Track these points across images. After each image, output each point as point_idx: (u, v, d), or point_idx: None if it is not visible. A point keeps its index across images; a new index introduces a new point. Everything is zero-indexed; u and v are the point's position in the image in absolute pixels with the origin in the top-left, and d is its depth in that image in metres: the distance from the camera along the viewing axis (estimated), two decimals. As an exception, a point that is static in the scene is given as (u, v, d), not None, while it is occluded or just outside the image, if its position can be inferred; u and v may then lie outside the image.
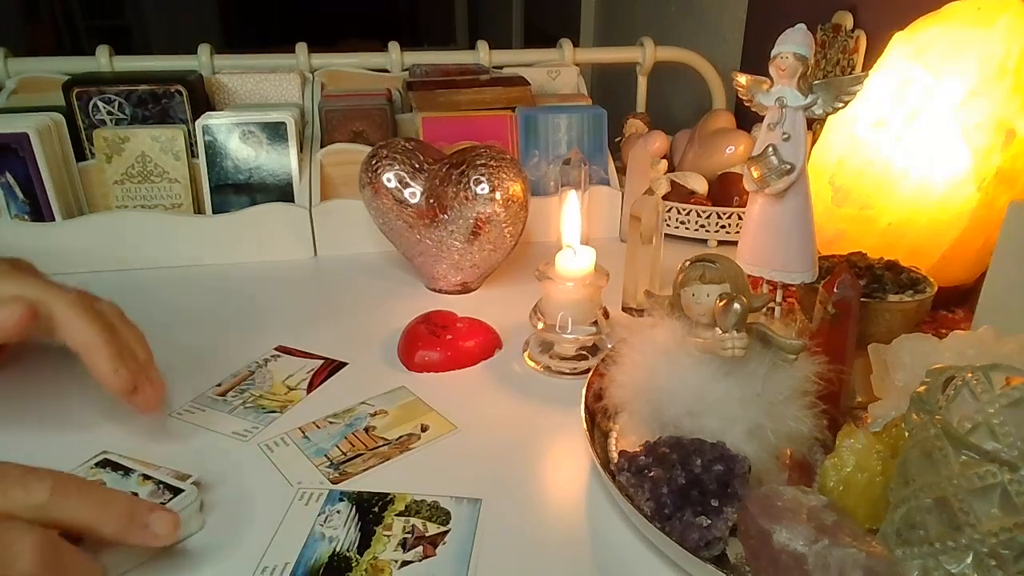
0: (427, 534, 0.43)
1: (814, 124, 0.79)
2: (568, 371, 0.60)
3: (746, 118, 0.94)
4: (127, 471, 0.44)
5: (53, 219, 0.78)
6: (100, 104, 0.85)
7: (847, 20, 0.92)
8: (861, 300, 0.48)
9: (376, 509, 0.44)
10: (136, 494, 0.41)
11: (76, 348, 0.46)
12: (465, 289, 0.75)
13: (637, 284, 0.69)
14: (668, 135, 0.91)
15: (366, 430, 0.52)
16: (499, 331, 0.65)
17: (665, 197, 0.68)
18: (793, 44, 0.49)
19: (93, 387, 0.47)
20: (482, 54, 1.07)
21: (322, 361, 0.62)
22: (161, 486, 0.42)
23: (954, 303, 0.66)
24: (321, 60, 1.05)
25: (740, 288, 0.43)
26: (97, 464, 0.45)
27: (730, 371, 0.43)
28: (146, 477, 0.43)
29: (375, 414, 0.54)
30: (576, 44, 1.10)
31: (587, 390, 0.52)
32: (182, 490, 0.42)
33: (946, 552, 0.34)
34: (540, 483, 0.48)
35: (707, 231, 0.85)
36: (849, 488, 0.40)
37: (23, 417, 0.53)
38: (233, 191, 0.83)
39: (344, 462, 0.49)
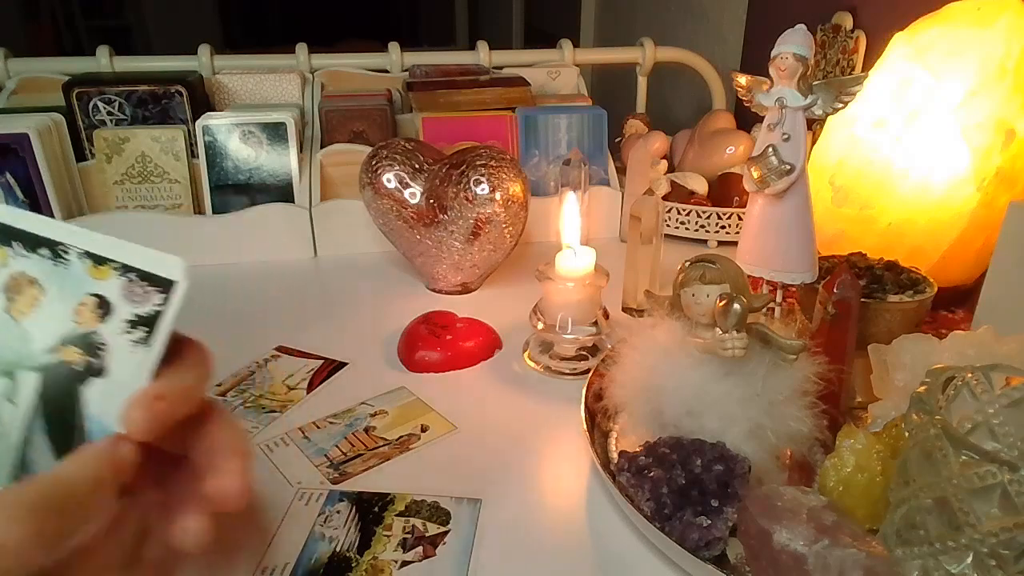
0: (427, 534, 0.43)
1: (814, 124, 0.79)
2: (568, 371, 0.60)
3: (746, 118, 0.94)
4: (56, 250, 0.28)
5: (53, 219, 0.78)
6: (100, 104, 0.85)
7: (847, 20, 0.92)
8: (861, 300, 0.48)
9: (376, 509, 0.44)
10: (102, 298, 0.27)
11: None
12: (465, 289, 0.75)
13: (637, 284, 0.69)
14: (668, 135, 0.91)
15: (366, 430, 0.52)
16: (499, 331, 0.65)
17: (665, 197, 0.68)
18: (793, 44, 0.49)
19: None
20: (482, 54, 1.07)
21: (322, 361, 0.62)
22: (135, 277, 0.27)
23: (954, 303, 0.66)
24: (321, 60, 1.05)
25: (740, 288, 0.43)
26: None
27: (730, 371, 0.43)
28: (98, 260, 0.27)
29: (375, 414, 0.54)
30: (576, 44, 1.10)
31: (587, 390, 0.52)
32: (171, 280, 0.27)
33: (946, 552, 0.34)
34: (540, 483, 0.48)
35: (707, 231, 0.85)
36: (849, 488, 0.40)
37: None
38: (233, 191, 0.83)
39: (344, 462, 0.49)
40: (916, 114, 0.63)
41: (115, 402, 0.26)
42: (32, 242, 0.28)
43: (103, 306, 0.27)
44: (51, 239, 0.28)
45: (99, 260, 0.27)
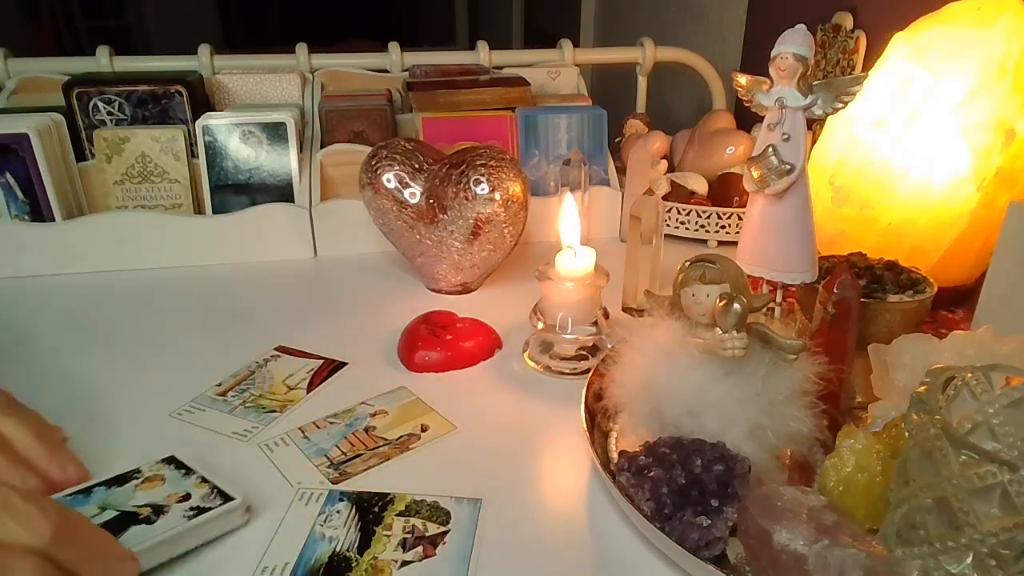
0: (427, 534, 0.43)
1: (814, 124, 0.79)
2: (568, 371, 0.60)
3: (746, 118, 0.94)
4: (189, 472, 0.45)
5: (53, 219, 0.78)
6: (100, 104, 0.85)
7: (847, 20, 0.92)
8: (861, 300, 0.48)
9: (376, 509, 0.44)
10: (189, 494, 0.43)
11: None
12: (465, 289, 0.75)
13: (637, 284, 0.69)
14: (668, 135, 0.91)
15: (366, 430, 0.52)
16: (499, 331, 0.65)
17: (665, 197, 0.68)
18: (793, 44, 0.49)
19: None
20: (482, 54, 1.07)
21: (322, 361, 0.62)
22: (215, 491, 0.43)
23: (954, 303, 0.66)
24: (321, 60, 1.05)
25: (740, 288, 0.43)
26: (163, 460, 0.46)
27: (730, 371, 0.43)
28: (203, 480, 0.44)
29: (375, 414, 0.54)
30: (576, 44, 1.10)
31: (587, 390, 0.52)
32: (233, 498, 0.43)
33: (946, 552, 0.34)
34: (540, 483, 0.48)
35: (707, 231, 0.85)
36: (849, 488, 0.40)
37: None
38: (233, 191, 0.83)
39: (344, 462, 0.49)
40: (916, 114, 0.63)
41: (144, 538, 0.40)
42: (178, 466, 0.46)
43: (185, 498, 0.43)
44: (190, 467, 0.46)
45: (204, 480, 0.44)
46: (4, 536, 0.32)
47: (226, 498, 0.43)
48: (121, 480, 0.45)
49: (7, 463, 0.43)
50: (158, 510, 0.42)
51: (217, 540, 0.42)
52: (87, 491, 0.43)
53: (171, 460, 0.47)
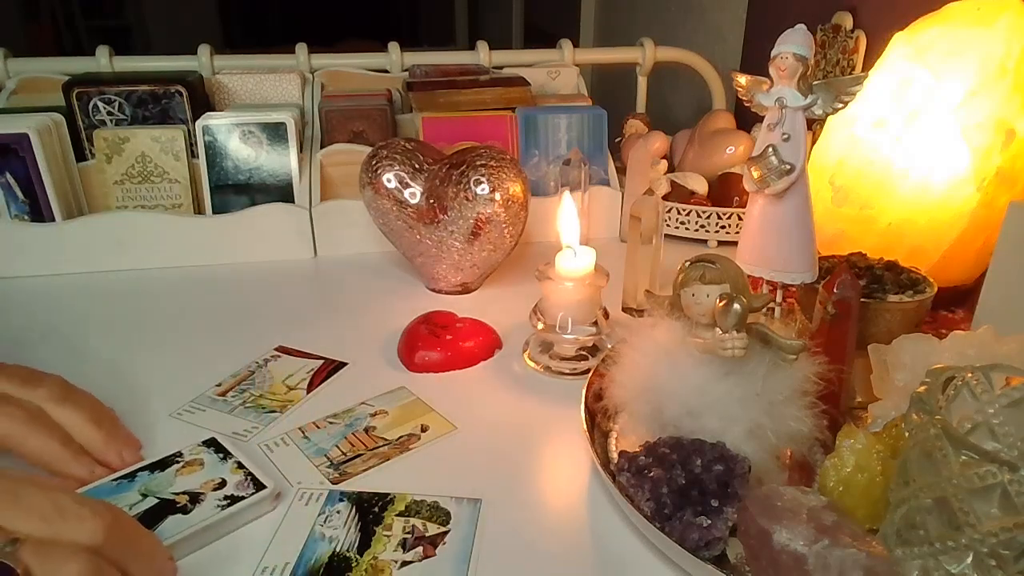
0: (427, 534, 0.43)
1: (814, 124, 0.79)
2: (568, 371, 0.60)
3: (746, 118, 0.94)
4: (227, 456, 0.47)
5: (53, 219, 0.78)
6: (100, 104, 0.85)
7: (847, 20, 0.92)
8: (861, 300, 0.48)
9: (376, 509, 0.44)
10: (225, 480, 0.45)
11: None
12: (465, 289, 0.75)
13: (637, 284, 0.69)
14: (668, 135, 0.91)
15: (366, 430, 0.52)
16: (499, 331, 0.65)
17: (665, 197, 0.68)
18: (793, 44, 0.49)
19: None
20: (482, 54, 1.07)
21: (322, 361, 0.62)
22: (249, 478, 0.45)
23: (954, 303, 0.66)
24: (321, 60, 1.05)
25: (740, 288, 0.43)
26: (204, 443, 0.48)
27: (730, 371, 0.43)
28: (240, 466, 0.46)
29: (375, 414, 0.54)
30: (576, 44, 1.10)
31: (587, 390, 0.52)
32: (265, 486, 0.44)
33: (946, 552, 0.34)
34: (540, 483, 0.48)
35: (707, 231, 0.85)
36: (849, 488, 0.40)
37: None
38: (233, 191, 0.83)
39: (344, 462, 0.49)
40: (916, 114, 0.63)
41: (179, 529, 0.41)
42: (218, 449, 0.48)
43: (221, 485, 0.44)
44: (229, 451, 0.47)
45: (240, 466, 0.46)
46: (58, 536, 0.33)
47: (258, 486, 0.44)
48: (163, 464, 0.46)
49: (72, 456, 0.44)
50: (195, 498, 0.43)
51: (217, 541, 0.42)
52: (132, 476, 0.45)
53: (211, 443, 0.48)
